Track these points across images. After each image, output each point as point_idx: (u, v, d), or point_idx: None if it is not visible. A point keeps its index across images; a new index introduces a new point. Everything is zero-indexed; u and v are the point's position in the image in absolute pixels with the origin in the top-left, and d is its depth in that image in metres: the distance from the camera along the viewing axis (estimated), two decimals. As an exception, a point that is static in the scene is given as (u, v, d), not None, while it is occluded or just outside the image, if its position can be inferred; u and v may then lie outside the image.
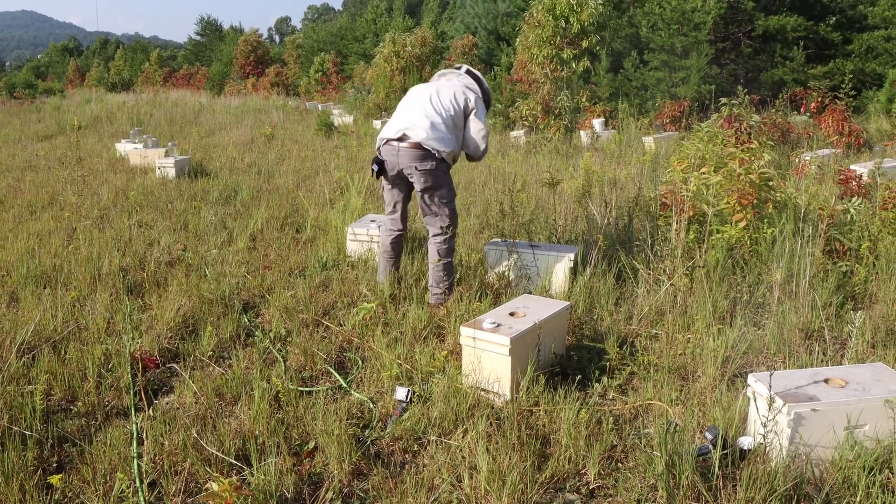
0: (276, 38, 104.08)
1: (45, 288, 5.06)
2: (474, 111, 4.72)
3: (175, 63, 51.25)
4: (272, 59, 39.58)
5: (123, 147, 12.26)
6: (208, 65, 43.59)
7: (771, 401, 2.82)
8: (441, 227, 4.68)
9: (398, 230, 4.92)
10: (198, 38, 52.30)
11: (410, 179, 4.62)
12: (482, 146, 4.79)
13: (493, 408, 3.38)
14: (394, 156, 4.56)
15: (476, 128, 4.72)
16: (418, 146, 4.48)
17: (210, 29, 51.51)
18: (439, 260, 4.66)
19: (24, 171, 10.61)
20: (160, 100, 26.88)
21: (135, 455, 3.00)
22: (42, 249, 5.98)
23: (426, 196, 4.62)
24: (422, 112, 4.56)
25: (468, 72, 4.92)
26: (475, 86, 4.86)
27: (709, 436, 2.96)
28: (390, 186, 4.79)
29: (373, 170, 4.68)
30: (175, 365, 3.91)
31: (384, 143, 4.62)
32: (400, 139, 4.53)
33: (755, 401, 3.02)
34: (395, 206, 4.86)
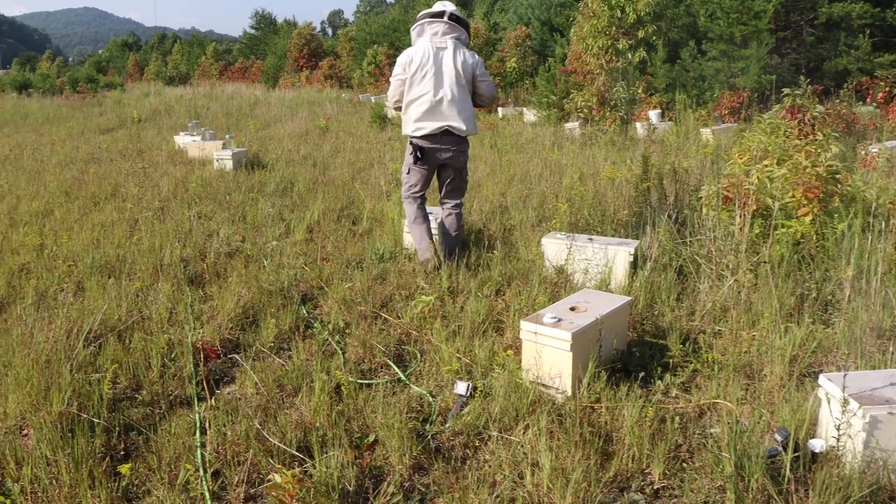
0: (329, 31, 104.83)
1: (109, 277, 5.17)
2: (479, 74, 5.12)
3: (230, 56, 52.01)
4: (325, 51, 39.87)
5: (182, 139, 12.48)
6: (263, 58, 44.10)
7: (844, 403, 2.72)
8: (461, 199, 5.31)
9: (421, 196, 5.31)
10: (252, 31, 52.96)
11: (449, 161, 5.12)
12: (494, 96, 5.35)
13: (554, 404, 3.33)
14: (437, 143, 5.03)
15: (488, 90, 5.20)
16: (459, 134, 5.04)
17: (264, 23, 52.13)
18: (459, 227, 5.26)
19: (88, 164, 10.88)
20: (216, 93, 27.32)
21: (198, 444, 3.03)
22: (106, 240, 6.11)
23: (460, 172, 5.21)
24: (454, 107, 4.99)
25: (451, 17, 5.08)
26: (465, 34, 5.16)
27: (779, 437, 2.87)
28: (424, 168, 5.18)
29: (416, 157, 5.07)
30: (236, 355, 3.96)
31: (424, 136, 5.02)
32: (444, 132, 5.02)
33: (827, 402, 2.91)
34: (421, 185, 5.26)
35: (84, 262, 5.39)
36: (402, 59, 5.08)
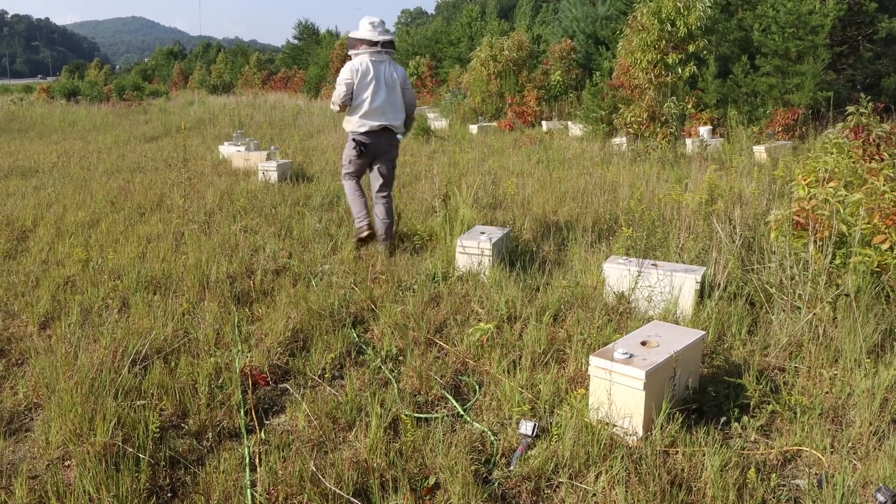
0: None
1: (154, 294, 5.04)
2: (405, 83, 6.28)
3: (273, 66, 52.33)
4: (367, 62, 39.85)
5: (226, 149, 12.43)
6: (305, 68, 44.30)
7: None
8: (391, 189, 6.38)
9: (358, 177, 6.39)
10: (295, 41, 53.27)
11: (387, 155, 6.23)
12: (414, 104, 6.44)
13: (627, 448, 3.08)
14: (376, 139, 6.12)
15: (410, 95, 6.36)
16: (393, 132, 6.20)
17: (307, 33, 52.37)
18: (389, 213, 6.23)
19: (133, 173, 10.86)
20: (259, 102, 27.46)
21: (248, 484, 2.85)
22: (151, 254, 6.00)
23: (392, 165, 6.32)
24: (394, 108, 6.16)
25: (385, 44, 6.11)
26: (393, 52, 6.27)
27: (881, 498, 2.60)
28: (363, 161, 6.23)
29: (360, 150, 6.11)
30: (287, 386, 3.76)
31: (368, 131, 6.05)
32: (383, 129, 6.11)
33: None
34: (360, 173, 6.36)
35: (129, 276, 5.27)
36: (351, 66, 6.06)
